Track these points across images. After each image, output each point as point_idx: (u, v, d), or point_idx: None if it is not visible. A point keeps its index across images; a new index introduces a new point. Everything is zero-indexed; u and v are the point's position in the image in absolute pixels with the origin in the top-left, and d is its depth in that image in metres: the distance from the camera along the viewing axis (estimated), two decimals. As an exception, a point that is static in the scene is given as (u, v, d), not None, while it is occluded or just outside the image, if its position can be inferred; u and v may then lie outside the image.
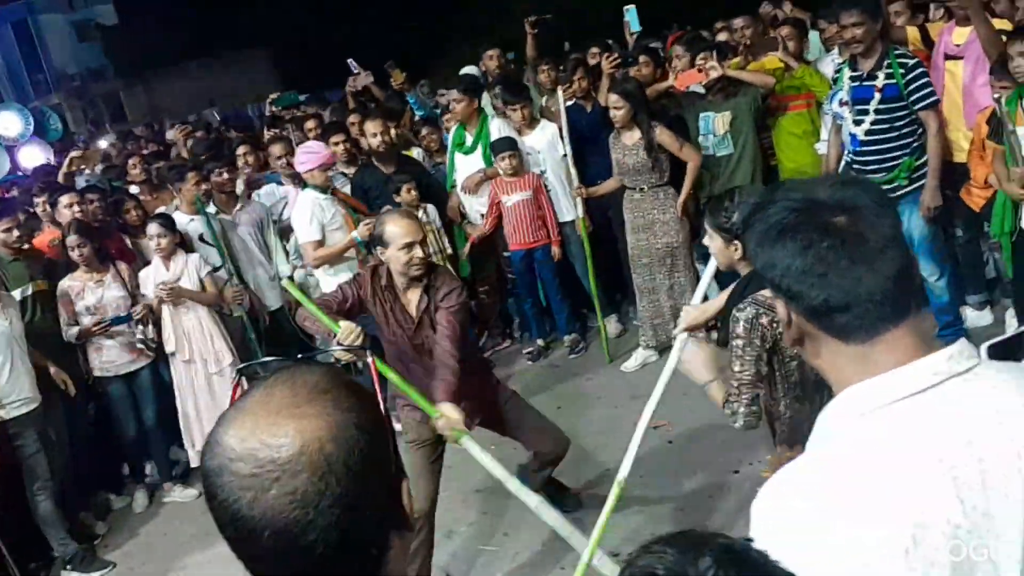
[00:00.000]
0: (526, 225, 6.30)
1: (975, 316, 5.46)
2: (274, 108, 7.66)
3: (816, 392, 2.84)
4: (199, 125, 11.21)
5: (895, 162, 4.92)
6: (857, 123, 4.97)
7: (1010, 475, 1.20)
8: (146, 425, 5.63)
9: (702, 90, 5.95)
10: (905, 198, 4.94)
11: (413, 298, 3.88)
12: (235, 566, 1.04)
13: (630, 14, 6.49)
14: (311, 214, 5.68)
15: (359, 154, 6.72)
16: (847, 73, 5.01)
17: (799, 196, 1.30)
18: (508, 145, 6.20)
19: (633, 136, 5.79)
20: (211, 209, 6.04)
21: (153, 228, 5.60)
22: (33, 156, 8.77)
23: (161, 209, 6.44)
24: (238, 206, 6.24)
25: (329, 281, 5.84)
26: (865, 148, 4.98)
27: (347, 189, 6.55)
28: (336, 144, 6.61)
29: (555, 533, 4.05)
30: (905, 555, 1.15)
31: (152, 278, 5.60)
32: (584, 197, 6.12)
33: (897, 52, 4.88)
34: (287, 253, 6.36)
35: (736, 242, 2.98)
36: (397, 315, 3.89)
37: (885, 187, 4.92)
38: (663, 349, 5.99)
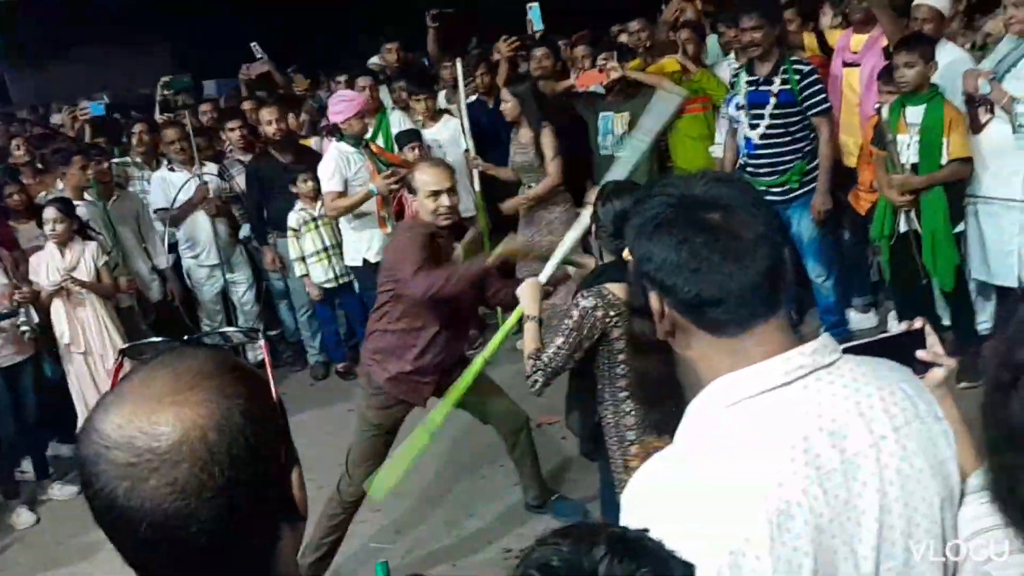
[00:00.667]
0: None
1: (860, 318, 5.65)
2: (166, 92, 7.43)
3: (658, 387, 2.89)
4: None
5: (788, 166, 5.07)
6: (752, 127, 5.10)
7: (868, 465, 1.25)
8: (25, 421, 5.34)
9: (602, 90, 6.01)
10: (796, 200, 5.10)
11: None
12: (115, 563, 1.00)
13: (533, 12, 6.53)
14: (335, 166, 5.67)
15: (256, 142, 6.58)
16: (744, 77, 5.13)
17: (675, 192, 1.33)
18: (413, 136, 6.12)
19: (528, 134, 5.81)
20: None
21: (50, 212, 5.32)
22: None
23: (43, 194, 6.19)
24: (114, 197, 6.06)
25: (352, 236, 5.90)
26: (759, 152, 5.11)
27: (242, 178, 6.42)
28: (232, 130, 6.49)
29: (448, 531, 4.07)
30: (770, 541, 1.18)
31: (45, 265, 5.33)
32: (479, 169, 6.07)
33: (793, 59, 5.03)
34: (171, 244, 6.21)
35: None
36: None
37: (776, 189, 5.07)
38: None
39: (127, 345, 4.58)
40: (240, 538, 0.99)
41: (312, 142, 6.90)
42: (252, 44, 7.72)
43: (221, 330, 5.99)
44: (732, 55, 6.06)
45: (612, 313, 2.97)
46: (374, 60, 8.30)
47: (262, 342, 3.73)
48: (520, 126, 5.83)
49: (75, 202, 5.72)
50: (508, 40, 6.45)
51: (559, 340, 3.04)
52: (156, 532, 0.94)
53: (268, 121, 6.16)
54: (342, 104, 5.69)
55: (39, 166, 6.84)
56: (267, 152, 6.30)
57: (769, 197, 5.08)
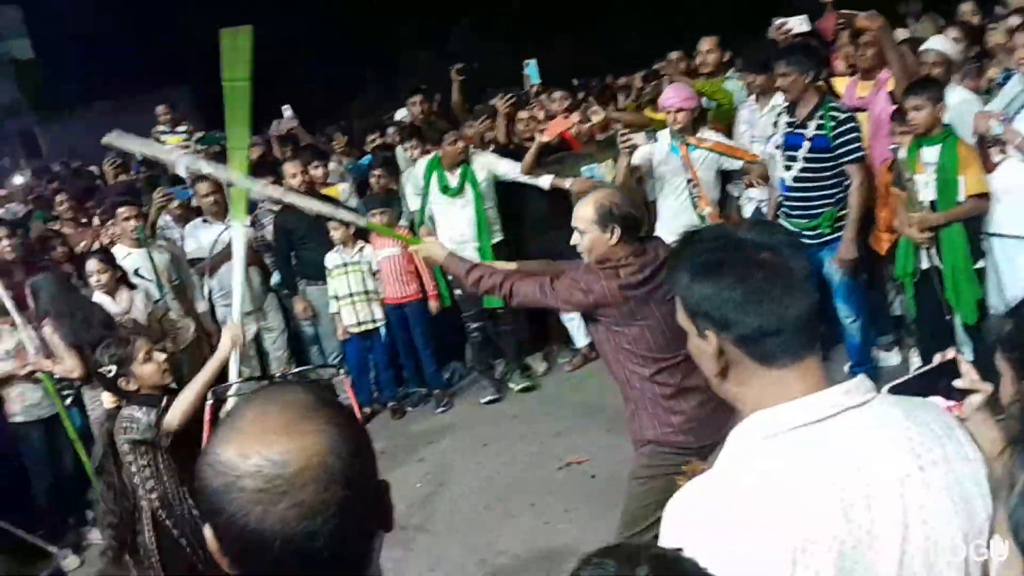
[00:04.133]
0: (394, 279, 6.35)
1: (884, 356, 5.69)
2: (199, 147, 7.61)
3: None
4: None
5: (819, 211, 5.06)
6: (787, 168, 5.12)
7: (892, 499, 1.35)
8: (62, 471, 5.43)
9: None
10: (827, 244, 5.10)
11: None
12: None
13: (530, 68, 6.70)
14: None
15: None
16: (785, 118, 5.16)
17: (725, 235, 1.47)
18: (380, 203, 6.33)
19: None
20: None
21: (92, 264, 5.45)
22: None
23: (84, 244, 6.40)
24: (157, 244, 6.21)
25: None
26: (792, 194, 5.14)
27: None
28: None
29: (479, 568, 4.09)
30: (792, 565, 1.29)
31: None
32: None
33: (832, 105, 5.03)
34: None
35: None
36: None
37: (809, 232, 5.08)
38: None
39: (219, 386, 4.66)
40: (352, 549, 1.12)
41: (340, 189, 7.05)
42: (284, 107, 7.98)
43: (304, 368, 6.10)
44: (753, 97, 6.14)
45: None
46: (402, 114, 8.51)
47: (343, 376, 3.92)
48: None
49: (127, 251, 5.90)
50: (504, 97, 6.59)
51: None
52: (286, 550, 1.06)
53: (292, 175, 6.34)
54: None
55: (81, 219, 7.02)
56: (292, 205, 6.45)
57: (802, 239, 5.10)
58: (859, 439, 1.37)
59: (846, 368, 5.38)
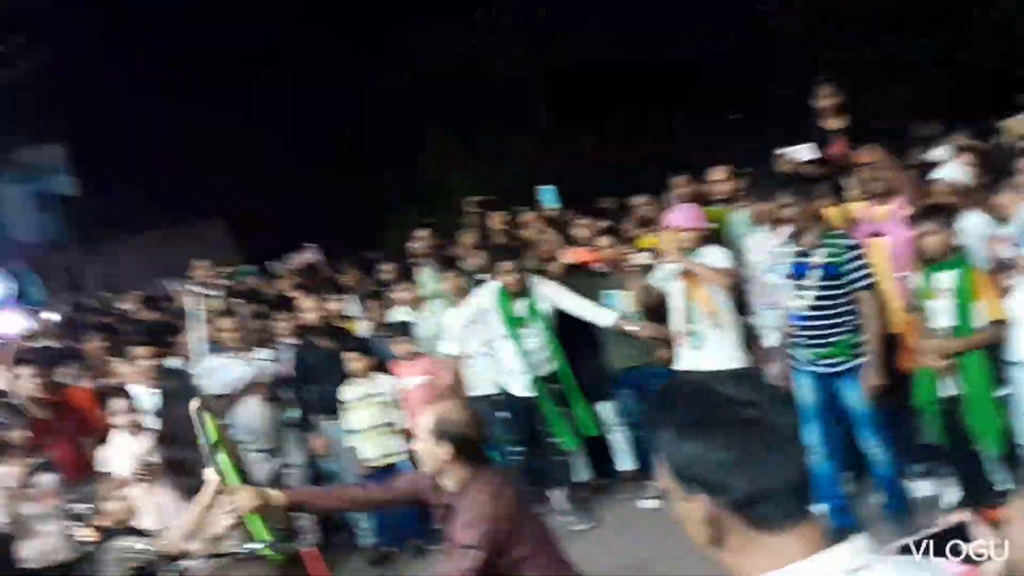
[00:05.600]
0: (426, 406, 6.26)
1: (916, 486, 5.40)
2: (230, 282, 7.69)
3: None
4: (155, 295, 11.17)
5: (835, 339, 4.94)
6: (798, 298, 5.02)
7: None
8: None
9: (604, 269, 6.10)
10: (847, 372, 4.97)
11: None
12: None
13: (545, 193, 6.59)
14: None
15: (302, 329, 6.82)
16: (790, 248, 5.09)
17: (707, 391, 1.39)
18: (400, 329, 6.35)
19: None
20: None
21: (118, 404, 5.44)
22: (12, 322, 7.93)
23: (111, 381, 6.42)
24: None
25: None
26: (806, 324, 5.02)
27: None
28: (280, 322, 6.74)
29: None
30: None
31: (118, 452, 5.37)
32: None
33: (838, 232, 5.00)
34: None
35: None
36: None
37: (826, 361, 4.97)
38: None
39: (169, 566, 4.23)
40: None
41: (361, 326, 7.06)
42: (309, 245, 8.08)
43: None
44: (767, 225, 6.11)
45: None
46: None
47: (312, 549, 3.77)
48: None
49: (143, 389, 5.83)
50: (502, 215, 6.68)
51: None
52: None
53: (309, 309, 6.42)
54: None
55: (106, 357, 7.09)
56: (309, 341, 6.52)
57: (818, 368, 5.02)
58: None
59: (876, 502, 5.16)
